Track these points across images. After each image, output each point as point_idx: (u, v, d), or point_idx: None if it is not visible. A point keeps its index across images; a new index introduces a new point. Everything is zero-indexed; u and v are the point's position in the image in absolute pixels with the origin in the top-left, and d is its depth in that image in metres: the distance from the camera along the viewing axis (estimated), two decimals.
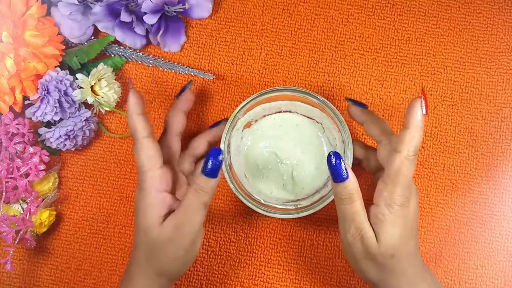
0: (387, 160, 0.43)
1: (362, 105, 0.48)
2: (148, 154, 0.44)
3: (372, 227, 0.42)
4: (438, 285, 0.45)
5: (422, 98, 0.42)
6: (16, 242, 0.50)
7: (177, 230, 0.43)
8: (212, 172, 0.43)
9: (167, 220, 0.43)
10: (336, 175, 0.42)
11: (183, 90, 0.50)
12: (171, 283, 0.46)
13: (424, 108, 0.41)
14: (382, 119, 0.47)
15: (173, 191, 0.46)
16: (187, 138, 0.52)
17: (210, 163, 0.43)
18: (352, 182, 0.42)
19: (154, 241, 0.43)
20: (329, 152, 0.43)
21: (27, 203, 0.52)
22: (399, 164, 0.41)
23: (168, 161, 0.47)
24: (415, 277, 0.43)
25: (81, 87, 0.52)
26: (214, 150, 0.43)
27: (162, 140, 0.48)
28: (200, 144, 0.51)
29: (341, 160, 0.42)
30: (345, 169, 0.42)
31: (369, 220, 0.43)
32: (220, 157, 0.43)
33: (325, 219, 0.54)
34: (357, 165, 0.49)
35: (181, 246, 0.43)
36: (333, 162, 0.42)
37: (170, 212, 0.44)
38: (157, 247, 0.43)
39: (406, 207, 0.42)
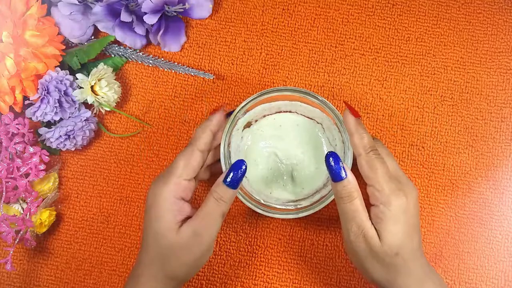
0: (359, 167, 0.44)
1: (356, 115, 0.46)
2: (191, 164, 0.44)
3: (374, 227, 0.43)
4: (443, 284, 0.45)
5: (347, 108, 0.44)
6: (16, 242, 0.50)
7: (195, 237, 0.43)
8: (233, 184, 0.44)
9: (185, 227, 0.43)
10: (335, 174, 0.43)
11: (218, 108, 0.48)
12: (180, 286, 0.46)
13: (351, 114, 0.44)
14: (367, 135, 0.45)
15: (189, 201, 0.46)
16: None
17: (232, 175, 0.44)
18: (351, 181, 0.43)
19: (169, 245, 0.43)
20: (327, 153, 0.43)
21: (27, 203, 0.52)
22: (365, 164, 0.43)
23: None
24: (421, 275, 0.43)
25: (81, 87, 0.52)
26: (237, 162, 0.44)
27: (186, 153, 0.46)
28: (204, 136, 0.46)
29: (339, 159, 0.43)
30: (343, 168, 0.43)
31: (371, 221, 0.43)
32: (243, 170, 0.44)
33: (325, 219, 0.54)
34: (356, 166, 0.49)
35: (197, 252, 0.44)
36: (331, 162, 0.43)
37: (186, 218, 0.44)
38: (172, 252, 0.43)
39: (403, 201, 0.42)
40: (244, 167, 0.44)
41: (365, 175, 0.43)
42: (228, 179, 0.44)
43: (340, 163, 0.43)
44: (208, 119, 0.46)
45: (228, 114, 0.50)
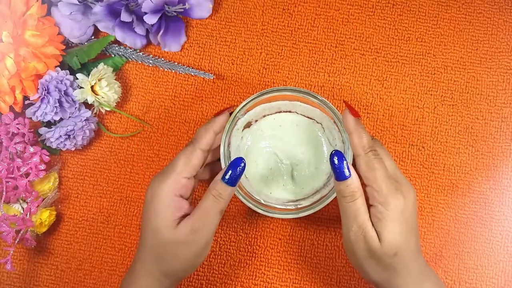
0: (357, 167, 0.44)
1: (356, 115, 0.46)
2: (191, 162, 0.44)
3: (374, 227, 0.43)
4: (441, 284, 0.45)
5: (346, 108, 0.44)
6: (16, 242, 0.50)
7: (193, 233, 0.43)
8: (232, 181, 0.44)
9: (183, 223, 0.43)
10: (339, 173, 0.43)
11: (223, 111, 0.48)
12: (176, 284, 0.46)
13: (351, 114, 0.44)
14: (366, 135, 0.45)
15: (188, 199, 0.46)
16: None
17: (231, 172, 0.44)
18: (354, 180, 0.43)
19: (166, 242, 0.43)
20: (332, 151, 0.44)
21: (27, 203, 0.52)
22: (364, 164, 0.43)
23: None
24: (419, 275, 0.43)
25: (81, 87, 0.52)
26: (236, 160, 0.44)
27: (187, 151, 0.46)
28: (206, 136, 0.47)
29: (343, 158, 0.44)
30: (347, 167, 0.44)
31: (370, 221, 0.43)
32: (241, 167, 0.44)
33: (325, 219, 0.54)
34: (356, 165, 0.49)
35: (194, 249, 0.44)
36: (336, 160, 0.44)
37: (184, 216, 0.44)
38: (169, 248, 0.43)
39: (401, 202, 0.42)
40: (242, 164, 0.44)
41: (364, 175, 0.44)
42: (227, 177, 0.44)
43: (344, 162, 0.44)
44: (211, 120, 0.46)
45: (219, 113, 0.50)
